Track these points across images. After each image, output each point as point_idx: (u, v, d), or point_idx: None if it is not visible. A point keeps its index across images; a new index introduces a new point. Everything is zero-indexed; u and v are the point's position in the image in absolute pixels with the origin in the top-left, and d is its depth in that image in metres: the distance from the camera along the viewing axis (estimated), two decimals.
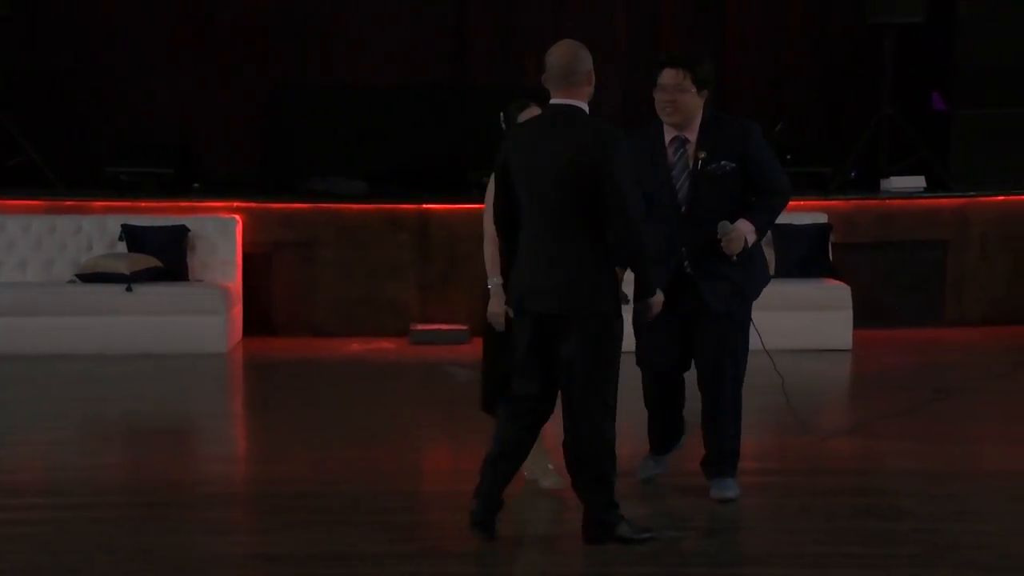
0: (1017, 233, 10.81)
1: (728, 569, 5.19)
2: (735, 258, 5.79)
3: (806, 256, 10.14)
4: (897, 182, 10.84)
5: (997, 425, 7.64)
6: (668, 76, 5.74)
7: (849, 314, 9.79)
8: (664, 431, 6.16)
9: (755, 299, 5.95)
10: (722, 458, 5.97)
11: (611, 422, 5.28)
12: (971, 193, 10.79)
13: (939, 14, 10.95)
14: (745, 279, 5.86)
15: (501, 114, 5.99)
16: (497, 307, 5.74)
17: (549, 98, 5.26)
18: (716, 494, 5.91)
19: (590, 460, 5.26)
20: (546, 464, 6.02)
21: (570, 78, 5.14)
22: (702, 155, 5.77)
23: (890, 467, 6.63)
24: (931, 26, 10.97)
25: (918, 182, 10.84)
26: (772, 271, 9.94)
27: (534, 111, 5.72)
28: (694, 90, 5.75)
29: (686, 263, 5.76)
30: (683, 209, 5.79)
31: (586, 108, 5.19)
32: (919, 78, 11.51)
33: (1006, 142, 10.89)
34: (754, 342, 6.00)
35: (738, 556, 5.41)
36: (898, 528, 5.61)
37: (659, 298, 5.40)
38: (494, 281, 5.79)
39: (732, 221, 5.75)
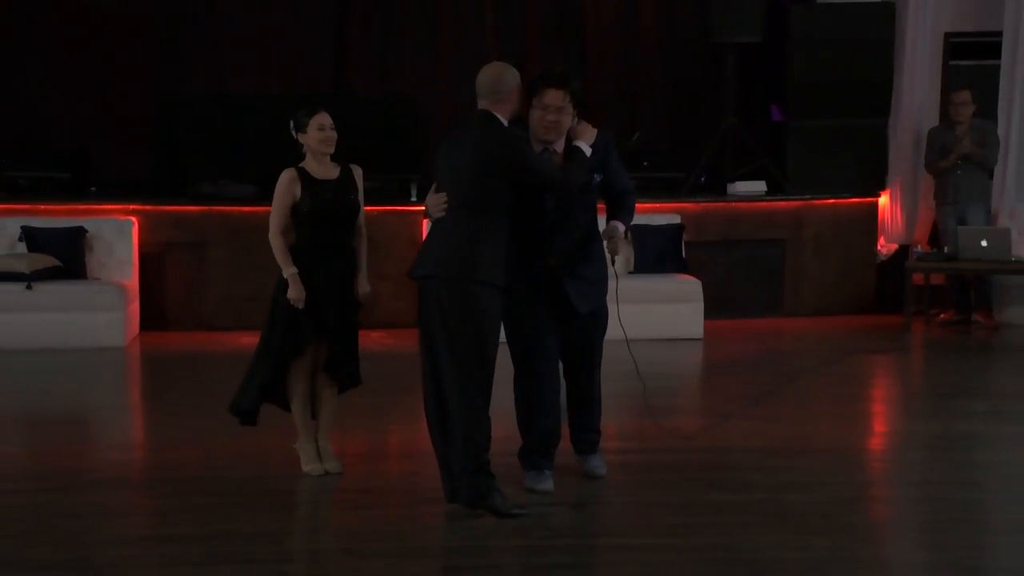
0: (845, 233, 11.06)
1: (593, 540, 5.23)
2: (614, 259, 5.85)
3: (661, 253, 10.26)
4: (741, 186, 11.01)
5: (828, 406, 7.80)
6: (554, 97, 5.51)
7: (700, 306, 9.92)
8: (553, 433, 5.89)
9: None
10: (593, 438, 6.04)
11: (475, 391, 5.27)
12: (806, 196, 11.01)
13: (775, 33, 11.15)
14: (601, 278, 5.89)
15: (291, 122, 6.02)
16: (296, 293, 5.85)
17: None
18: (593, 470, 5.99)
19: (458, 429, 5.26)
20: (327, 446, 6.06)
21: (494, 95, 5.40)
22: None
23: (736, 445, 6.72)
24: (768, 44, 11.17)
25: (759, 187, 11.03)
26: (631, 268, 10.17)
27: (324, 118, 5.94)
28: (571, 109, 5.59)
29: (554, 264, 5.67)
30: (551, 217, 5.63)
31: (503, 119, 5.39)
32: (759, 92, 11.70)
33: (836, 150, 11.12)
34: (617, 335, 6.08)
35: (602, 529, 5.45)
36: (743, 499, 5.70)
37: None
38: (290, 271, 5.89)
39: (589, 226, 5.77)
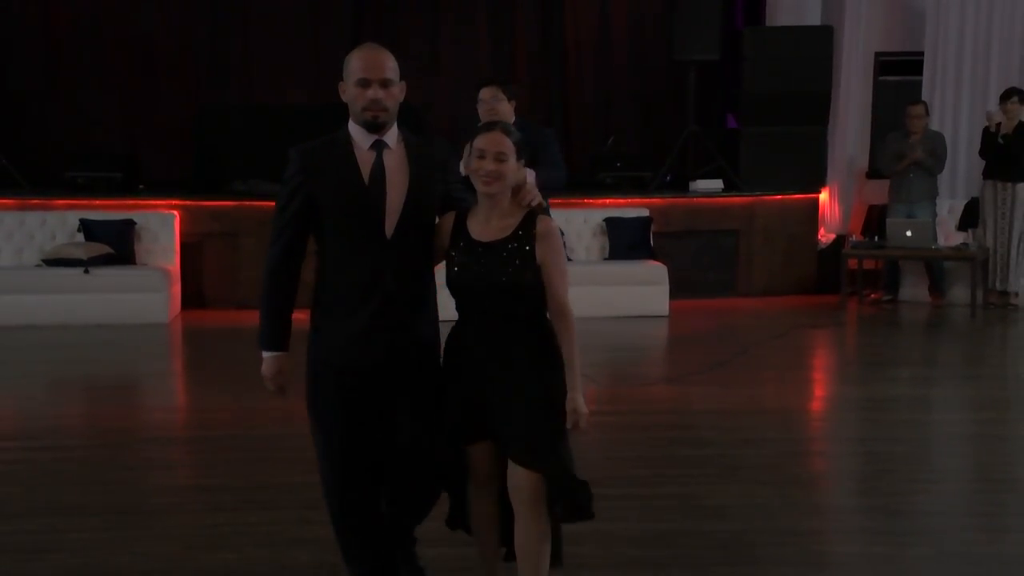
0: (791, 224, 11.06)
1: None
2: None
3: (632, 242, 10.25)
4: (701, 184, 11.00)
5: (777, 373, 7.81)
6: (486, 92, 6.22)
7: (666, 288, 9.90)
8: None
9: None
10: None
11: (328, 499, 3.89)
12: (757, 193, 11.01)
13: (730, 52, 11.13)
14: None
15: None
16: None
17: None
18: None
19: None
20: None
21: None
22: None
23: (697, 407, 6.74)
24: (724, 62, 11.15)
25: (717, 184, 11.02)
26: (607, 254, 10.15)
27: (479, 139, 3.69)
28: (506, 100, 6.24)
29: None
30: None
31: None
32: (716, 103, 11.70)
33: (783, 153, 11.11)
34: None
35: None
36: (702, 453, 5.72)
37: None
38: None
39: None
